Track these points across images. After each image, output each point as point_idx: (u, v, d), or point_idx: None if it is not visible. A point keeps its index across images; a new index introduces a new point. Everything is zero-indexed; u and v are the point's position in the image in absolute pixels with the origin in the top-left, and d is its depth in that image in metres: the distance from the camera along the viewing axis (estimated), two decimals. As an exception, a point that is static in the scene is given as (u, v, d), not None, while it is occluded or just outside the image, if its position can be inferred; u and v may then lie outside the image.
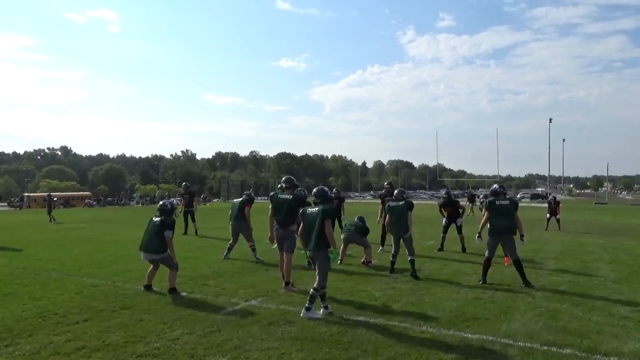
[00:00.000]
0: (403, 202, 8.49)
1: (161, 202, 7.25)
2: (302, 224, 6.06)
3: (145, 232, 6.97)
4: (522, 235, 7.55)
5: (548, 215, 18.21)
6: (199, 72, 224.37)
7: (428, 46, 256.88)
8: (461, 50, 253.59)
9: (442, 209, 12.16)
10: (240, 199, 10.42)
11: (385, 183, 12.09)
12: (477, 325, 5.35)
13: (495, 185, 7.95)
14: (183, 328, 5.19)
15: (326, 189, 6.25)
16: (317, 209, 5.89)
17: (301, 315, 5.58)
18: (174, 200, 15.61)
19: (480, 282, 7.53)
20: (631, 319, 5.68)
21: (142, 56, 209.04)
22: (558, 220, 17.91)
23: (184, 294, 6.71)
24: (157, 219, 6.89)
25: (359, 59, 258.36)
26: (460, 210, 11.90)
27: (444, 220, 11.88)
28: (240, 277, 8.02)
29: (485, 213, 7.67)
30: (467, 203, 28.31)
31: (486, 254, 7.61)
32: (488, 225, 7.59)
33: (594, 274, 8.51)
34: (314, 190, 6.19)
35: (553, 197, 19.76)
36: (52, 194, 27.77)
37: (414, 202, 9.06)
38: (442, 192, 13.88)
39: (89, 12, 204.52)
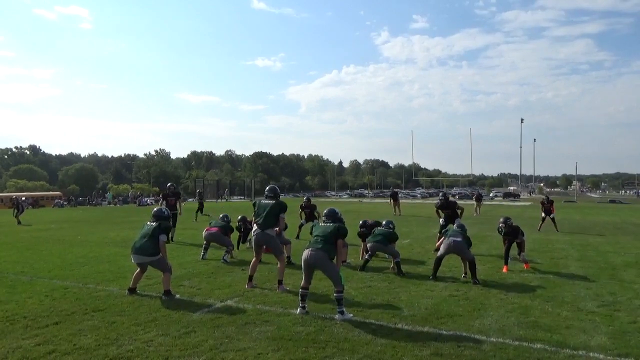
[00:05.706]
0: (392, 231, 8.98)
1: (156, 209, 7.25)
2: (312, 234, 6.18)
3: (139, 236, 6.82)
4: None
5: (543, 214, 17.16)
6: (173, 70, 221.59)
7: (402, 47, 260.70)
8: (434, 51, 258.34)
9: (439, 211, 11.60)
10: (221, 222, 10.21)
11: (441, 194, 12.58)
12: (452, 322, 5.45)
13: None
14: (157, 329, 5.11)
15: (337, 210, 6.42)
16: (332, 224, 6.05)
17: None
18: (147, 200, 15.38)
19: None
20: (598, 313, 5.87)
21: (115, 54, 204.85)
22: (553, 220, 16.71)
23: (178, 295, 6.59)
24: (152, 223, 6.81)
25: (334, 59, 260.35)
26: (459, 211, 11.27)
27: (441, 220, 11.42)
28: (216, 278, 7.94)
29: None
30: (474, 202, 26.34)
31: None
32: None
33: (563, 271, 8.76)
34: (325, 211, 6.41)
35: (546, 196, 18.54)
36: (20, 193, 26.85)
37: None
38: (440, 194, 13.19)
39: (60, 8, 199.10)
